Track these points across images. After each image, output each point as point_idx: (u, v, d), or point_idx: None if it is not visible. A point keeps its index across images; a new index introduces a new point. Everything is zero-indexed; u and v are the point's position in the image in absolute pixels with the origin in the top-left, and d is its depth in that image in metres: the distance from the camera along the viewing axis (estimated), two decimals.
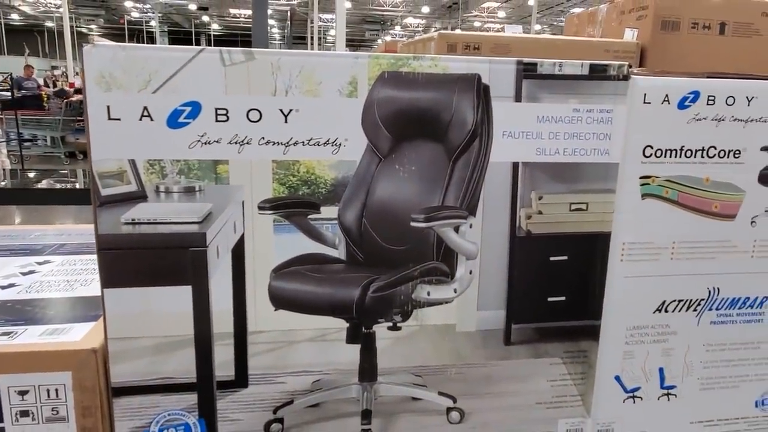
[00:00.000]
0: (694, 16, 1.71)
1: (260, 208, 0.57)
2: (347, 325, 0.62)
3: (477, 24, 21.39)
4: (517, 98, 0.60)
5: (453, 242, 0.61)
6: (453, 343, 0.64)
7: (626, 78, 0.62)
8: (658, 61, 1.68)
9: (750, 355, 0.75)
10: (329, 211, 0.59)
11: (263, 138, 0.56)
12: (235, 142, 0.56)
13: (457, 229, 0.61)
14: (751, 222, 0.70)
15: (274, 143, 0.56)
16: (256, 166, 0.57)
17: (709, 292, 0.71)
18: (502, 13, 20.40)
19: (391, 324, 0.62)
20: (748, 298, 0.72)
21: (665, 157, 0.65)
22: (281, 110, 0.56)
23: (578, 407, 0.70)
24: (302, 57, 0.56)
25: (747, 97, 0.66)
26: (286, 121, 0.56)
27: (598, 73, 0.62)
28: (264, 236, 0.58)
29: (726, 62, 1.73)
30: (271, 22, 19.85)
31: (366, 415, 0.64)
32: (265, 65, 0.55)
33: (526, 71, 0.59)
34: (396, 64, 0.57)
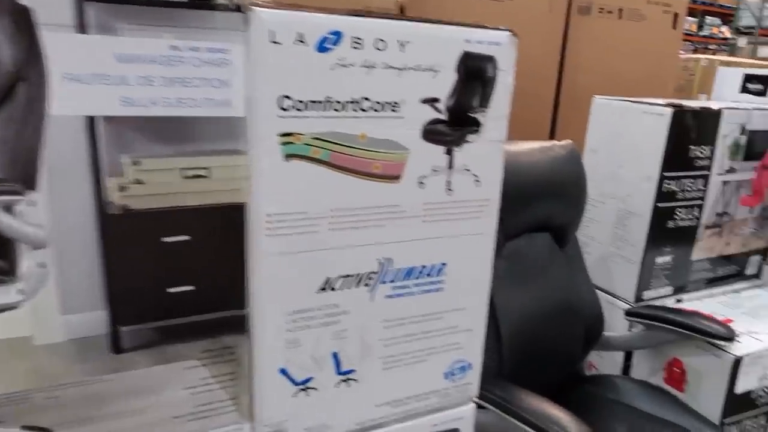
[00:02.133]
0: None
1: None
2: None
3: None
4: (81, 28, 0.44)
5: (6, 227, 0.44)
6: (33, 360, 0.48)
7: (240, 10, 0.50)
8: None
9: (434, 326, 0.70)
10: None
11: None
12: None
13: (10, 209, 0.45)
14: (419, 183, 0.63)
15: None
16: None
17: (381, 263, 0.64)
18: None
19: None
20: (425, 267, 0.67)
21: (309, 110, 0.55)
22: None
23: (231, 413, 0.59)
24: None
25: (399, 42, 0.57)
26: None
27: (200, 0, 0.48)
28: None
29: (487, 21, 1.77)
30: None
31: None
32: None
33: None
34: None
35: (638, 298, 1.25)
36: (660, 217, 1.19)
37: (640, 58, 2.08)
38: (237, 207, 0.53)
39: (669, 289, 1.28)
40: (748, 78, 1.47)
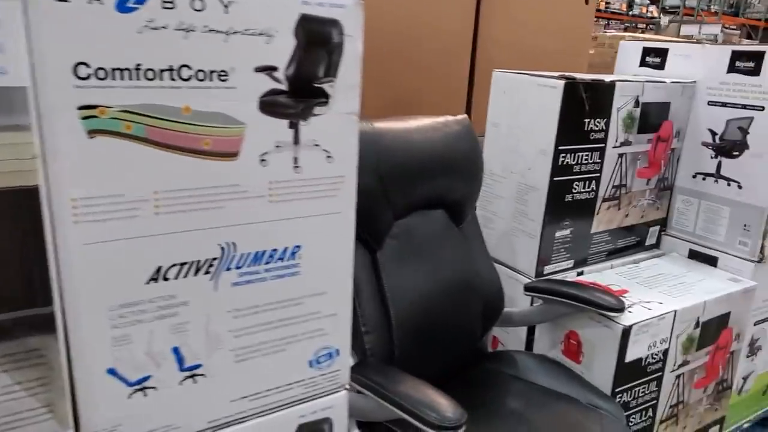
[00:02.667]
0: None
1: None
2: None
3: None
4: None
5: None
6: None
7: None
8: None
9: (293, 313, 0.65)
10: None
11: None
12: None
13: None
14: (261, 160, 0.58)
15: None
16: None
17: (223, 249, 0.58)
18: None
19: None
20: (276, 250, 0.62)
21: (114, 79, 0.49)
22: None
23: (46, 422, 0.52)
24: None
25: (221, 2, 0.52)
26: None
27: None
28: None
29: None
30: None
31: None
32: None
33: None
34: None
35: (539, 273, 1.25)
36: (557, 191, 1.19)
37: (553, 33, 2.09)
38: (29, 192, 0.47)
39: (570, 263, 1.29)
40: (647, 52, 1.48)
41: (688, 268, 1.36)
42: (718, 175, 1.35)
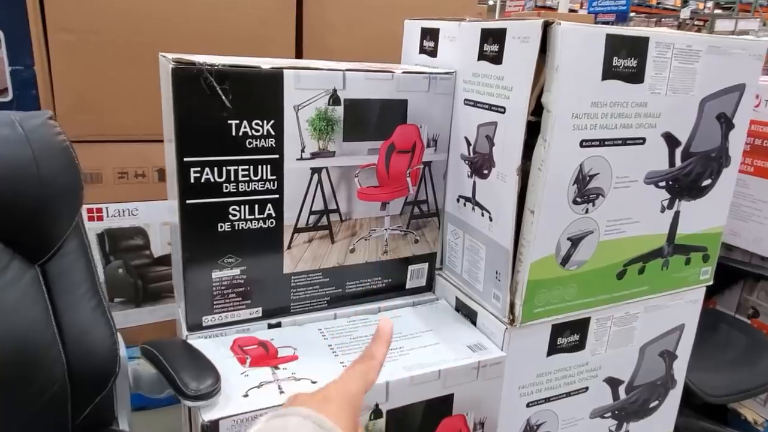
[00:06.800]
0: None
1: None
2: None
3: None
4: None
5: None
6: None
7: None
8: None
9: None
10: None
11: None
12: None
13: None
14: None
15: None
16: None
17: None
18: None
19: None
20: None
21: None
22: None
23: None
24: None
25: None
26: None
27: None
28: None
29: None
30: None
31: None
32: None
33: None
34: None
35: (195, 326, 0.93)
36: (199, 218, 0.87)
37: (413, 13, 1.74)
38: None
39: (255, 311, 0.97)
40: (424, 34, 1.13)
41: (436, 325, 1.01)
42: (474, 200, 0.99)
